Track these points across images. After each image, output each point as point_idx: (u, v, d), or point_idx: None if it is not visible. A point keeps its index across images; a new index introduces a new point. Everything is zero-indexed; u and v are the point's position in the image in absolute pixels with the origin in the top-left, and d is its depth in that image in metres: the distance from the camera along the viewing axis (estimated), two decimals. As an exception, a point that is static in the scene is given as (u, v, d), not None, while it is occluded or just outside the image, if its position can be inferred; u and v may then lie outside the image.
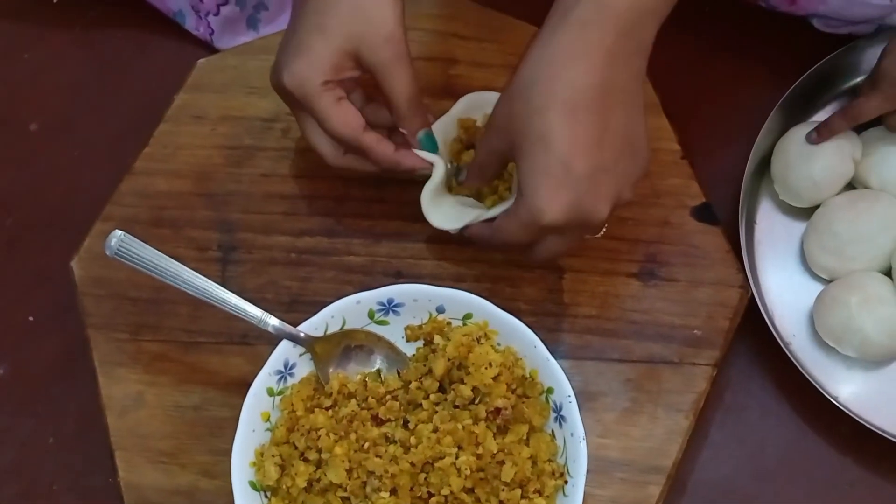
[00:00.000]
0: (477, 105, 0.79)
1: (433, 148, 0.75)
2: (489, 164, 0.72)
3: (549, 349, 0.70)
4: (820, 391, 0.76)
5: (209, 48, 0.92)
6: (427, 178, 0.74)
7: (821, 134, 0.79)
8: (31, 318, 0.85)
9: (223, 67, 0.86)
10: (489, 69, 0.83)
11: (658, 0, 0.65)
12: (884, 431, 0.75)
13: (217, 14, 0.91)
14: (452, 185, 0.77)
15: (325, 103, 0.71)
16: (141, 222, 0.80)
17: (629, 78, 0.66)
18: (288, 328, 0.71)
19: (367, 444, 0.68)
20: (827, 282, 0.80)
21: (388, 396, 0.71)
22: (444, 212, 0.75)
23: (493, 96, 0.78)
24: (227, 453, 0.69)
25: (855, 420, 0.75)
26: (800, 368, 0.76)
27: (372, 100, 0.76)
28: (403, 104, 0.72)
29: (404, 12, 0.71)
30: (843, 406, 0.75)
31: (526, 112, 0.65)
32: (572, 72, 0.64)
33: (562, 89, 0.64)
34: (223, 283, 0.72)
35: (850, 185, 0.82)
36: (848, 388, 0.78)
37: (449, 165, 0.76)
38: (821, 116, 0.85)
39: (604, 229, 0.72)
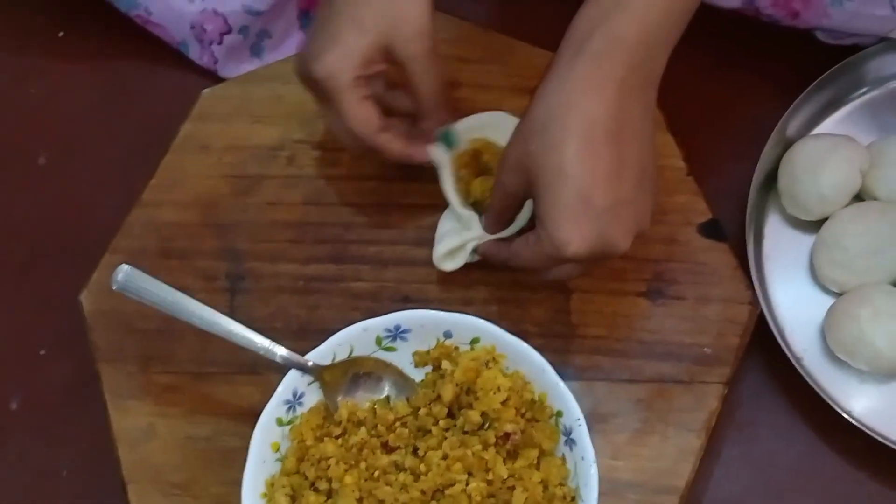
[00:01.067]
0: (489, 125, 0.79)
1: (452, 144, 0.76)
2: (507, 207, 0.72)
3: (557, 371, 0.70)
4: (833, 406, 0.75)
5: (214, 77, 0.92)
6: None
7: None
8: (42, 352, 0.85)
9: (227, 97, 0.86)
10: (493, 91, 0.83)
11: (669, 31, 0.66)
12: (898, 445, 0.74)
13: (221, 43, 0.91)
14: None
15: (351, 100, 0.72)
16: (149, 254, 0.81)
17: (642, 110, 0.66)
18: (296, 357, 0.71)
19: (377, 473, 0.68)
20: (837, 295, 0.80)
21: (398, 423, 0.71)
22: (453, 253, 0.76)
23: (494, 117, 0.78)
24: (239, 484, 0.69)
25: (869, 435, 0.74)
26: (812, 384, 0.76)
27: (395, 86, 0.77)
28: (430, 99, 0.74)
29: (434, 9, 0.73)
30: (856, 421, 0.75)
31: (542, 149, 0.65)
32: (587, 105, 0.65)
33: (577, 124, 0.64)
34: (231, 313, 0.72)
35: (858, 197, 0.82)
36: (861, 402, 0.78)
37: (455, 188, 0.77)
38: (826, 129, 0.85)
39: None
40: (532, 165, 0.66)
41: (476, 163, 0.79)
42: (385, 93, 0.76)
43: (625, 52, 0.64)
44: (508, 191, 0.70)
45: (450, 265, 0.76)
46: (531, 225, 0.72)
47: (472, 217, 0.76)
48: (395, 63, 0.73)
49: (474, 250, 0.76)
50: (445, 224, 0.77)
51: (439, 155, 0.76)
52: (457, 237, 0.76)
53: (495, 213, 0.74)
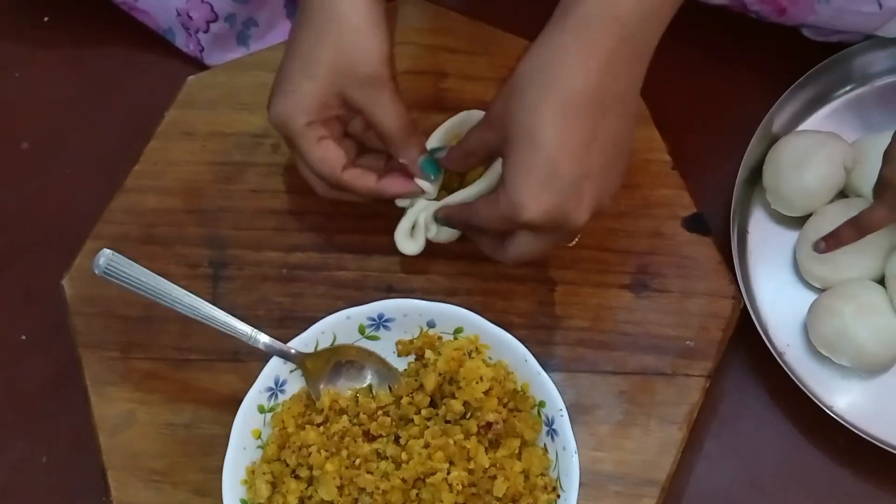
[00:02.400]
0: (469, 123, 0.79)
1: (435, 172, 0.74)
2: (475, 152, 0.72)
3: (541, 362, 0.70)
4: (815, 402, 0.75)
5: (199, 65, 0.92)
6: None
7: (829, 244, 0.78)
8: (23, 337, 0.84)
9: (212, 84, 0.86)
10: (479, 82, 0.83)
11: (662, 5, 0.65)
12: (880, 441, 0.75)
13: (207, 31, 0.90)
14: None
15: (307, 143, 0.72)
16: (131, 240, 0.80)
17: (626, 85, 0.66)
18: (278, 345, 0.71)
19: (358, 461, 0.68)
20: (820, 291, 0.80)
21: (380, 412, 0.71)
22: (413, 234, 0.76)
23: (473, 115, 0.78)
24: (219, 471, 0.69)
25: (851, 430, 0.75)
26: (794, 379, 0.76)
27: (365, 152, 0.77)
28: (395, 137, 0.73)
29: (392, 45, 0.72)
30: (838, 416, 0.75)
31: (520, 109, 0.65)
32: (569, 73, 0.64)
33: (557, 90, 0.64)
34: (214, 301, 0.72)
35: (843, 194, 0.82)
36: (843, 398, 0.78)
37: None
38: (811, 125, 0.85)
39: (576, 239, 0.71)
40: (507, 124, 0.66)
41: None
42: (363, 132, 0.76)
43: (616, 24, 0.64)
44: (484, 140, 0.70)
45: (410, 247, 0.76)
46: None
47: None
48: (351, 108, 0.73)
49: (437, 219, 0.75)
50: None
51: (425, 185, 0.74)
52: (412, 212, 0.76)
53: (463, 150, 0.72)
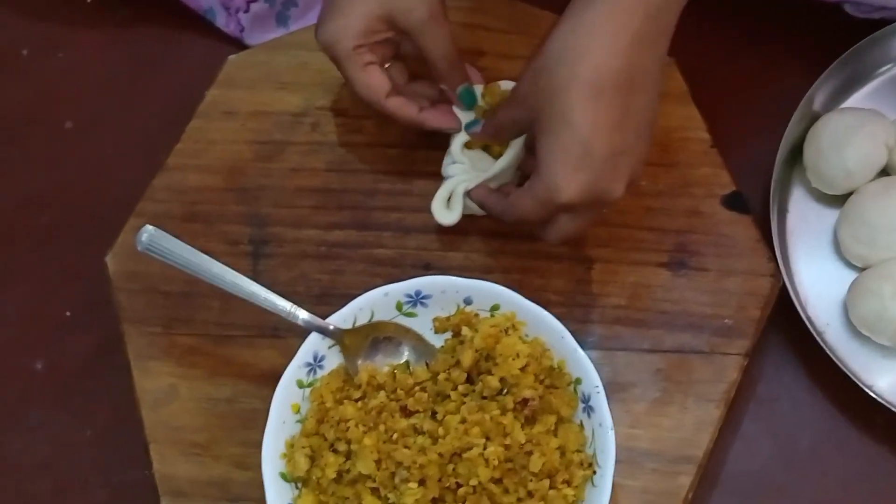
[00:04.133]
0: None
1: (472, 101, 0.77)
2: (507, 129, 0.73)
3: (578, 340, 0.70)
4: (854, 381, 0.75)
5: (240, 45, 0.92)
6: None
7: None
8: (67, 314, 0.86)
9: (253, 63, 0.86)
10: (516, 61, 0.83)
11: None
12: (920, 422, 0.74)
13: (247, 11, 0.91)
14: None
15: (352, 68, 0.74)
16: (173, 218, 0.81)
17: (653, 61, 0.66)
18: (317, 321, 0.72)
19: (395, 436, 0.69)
20: (860, 270, 0.79)
21: (417, 388, 0.71)
22: (450, 205, 0.77)
23: None
24: (259, 445, 0.70)
25: (890, 410, 0.74)
26: (833, 358, 0.75)
27: (417, 78, 0.79)
28: (441, 62, 0.75)
29: None
30: (878, 396, 0.74)
31: (550, 89, 0.66)
32: (598, 53, 0.64)
33: (587, 70, 0.65)
34: (254, 277, 0.73)
35: (884, 172, 0.81)
36: (883, 377, 0.77)
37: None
38: (853, 103, 0.85)
39: None
40: (537, 103, 0.67)
41: None
42: (407, 84, 0.78)
43: (641, 3, 0.64)
44: (514, 117, 0.71)
45: (447, 217, 0.76)
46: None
47: (468, 160, 0.77)
48: (400, 32, 0.74)
49: (469, 196, 0.76)
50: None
51: (459, 114, 0.77)
52: (449, 182, 0.76)
53: (495, 126, 0.74)
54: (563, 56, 0.65)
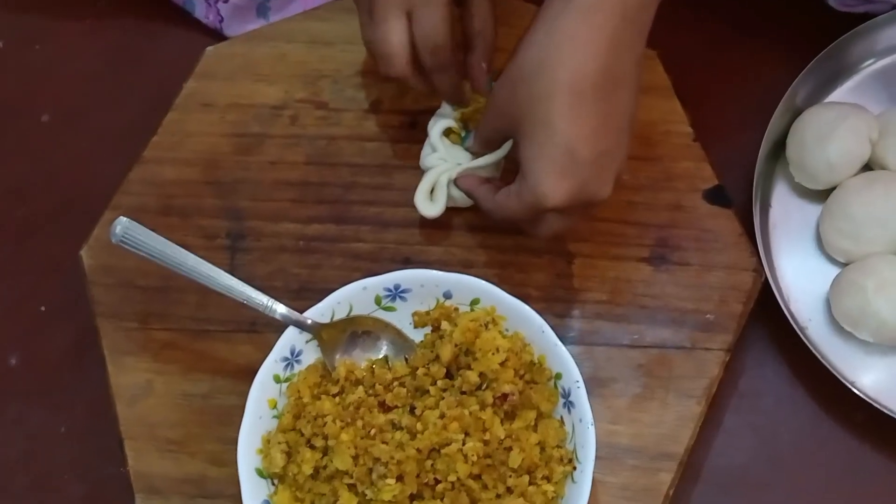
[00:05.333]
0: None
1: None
2: (493, 139, 0.73)
3: (558, 335, 0.70)
4: (836, 377, 0.74)
5: (219, 36, 0.92)
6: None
7: None
8: (42, 308, 0.85)
9: (231, 55, 0.86)
10: (500, 54, 0.82)
11: None
12: (902, 417, 0.74)
13: (226, 2, 0.90)
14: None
15: (447, 9, 0.71)
16: (150, 211, 0.80)
17: (631, 60, 0.66)
18: (294, 315, 0.71)
19: (373, 431, 0.68)
20: (843, 265, 0.79)
21: (395, 383, 0.71)
22: (433, 196, 0.76)
23: None
24: (236, 441, 0.69)
25: (872, 406, 0.73)
26: (816, 354, 0.75)
27: None
28: (488, 33, 0.75)
29: None
30: (860, 392, 0.74)
31: (530, 97, 0.65)
32: (577, 57, 0.64)
33: (567, 76, 0.64)
34: (232, 271, 0.72)
35: (867, 167, 0.81)
36: (865, 373, 0.77)
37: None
38: (836, 97, 0.84)
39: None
40: (517, 113, 0.66)
41: None
42: None
43: (618, 4, 0.64)
44: (496, 127, 0.71)
45: (431, 209, 0.76)
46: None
47: (446, 149, 0.76)
48: None
49: (455, 184, 0.75)
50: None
51: (446, 109, 0.77)
52: (432, 173, 0.76)
53: (482, 140, 0.74)
54: (541, 63, 0.65)
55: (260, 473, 0.69)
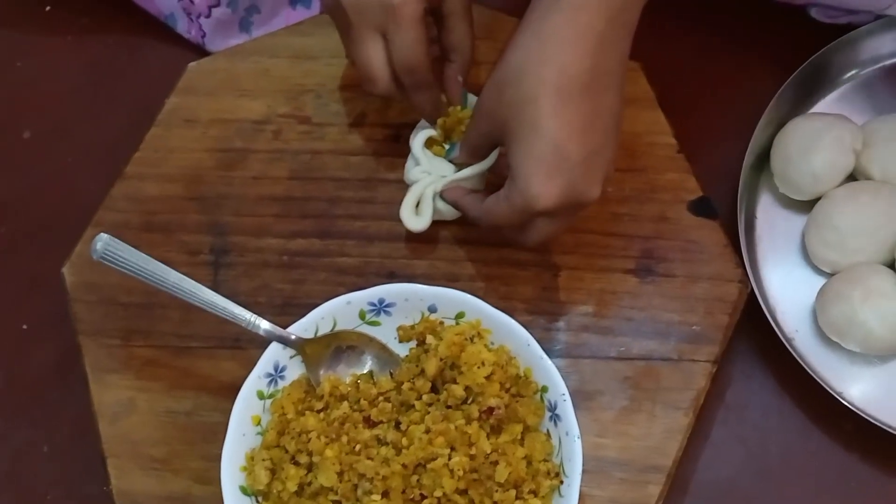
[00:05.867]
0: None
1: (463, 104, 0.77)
2: (480, 146, 0.73)
3: (544, 348, 0.69)
4: (824, 387, 0.74)
5: (201, 51, 0.91)
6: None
7: None
8: (24, 326, 0.84)
9: (213, 70, 0.85)
10: (481, 67, 0.82)
11: None
12: (889, 427, 0.73)
13: (209, 16, 0.90)
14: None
15: (420, 29, 0.71)
16: (132, 227, 0.80)
17: (617, 60, 0.66)
18: (278, 330, 0.70)
19: (358, 447, 0.67)
20: (829, 275, 0.79)
21: (381, 398, 0.70)
22: (419, 209, 0.76)
23: None
24: (220, 458, 0.68)
25: (860, 416, 0.73)
26: (803, 364, 0.75)
27: None
28: (468, 50, 0.76)
29: None
30: (847, 402, 0.74)
31: (517, 100, 0.65)
32: (563, 58, 0.64)
33: (553, 76, 0.64)
34: (215, 288, 0.71)
35: (852, 177, 0.81)
36: (852, 384, 0.77)
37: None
38: (820, 108, 0.84)
39: None
40: (505, 116, 0.66)
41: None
42: None
43: (603, 4, 0.64)
44: (483, 132, 0.71)
45: (416, 223, 0.75)
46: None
47: (429, 161, 0.76)
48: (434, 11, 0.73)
49: (441, 196, 0.75)
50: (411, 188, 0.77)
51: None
52: (417, 187, 0.75)
53: (469, 147, 0.74)
54: (527, 64, 0.65)
55: (244, 491, 0.68)
